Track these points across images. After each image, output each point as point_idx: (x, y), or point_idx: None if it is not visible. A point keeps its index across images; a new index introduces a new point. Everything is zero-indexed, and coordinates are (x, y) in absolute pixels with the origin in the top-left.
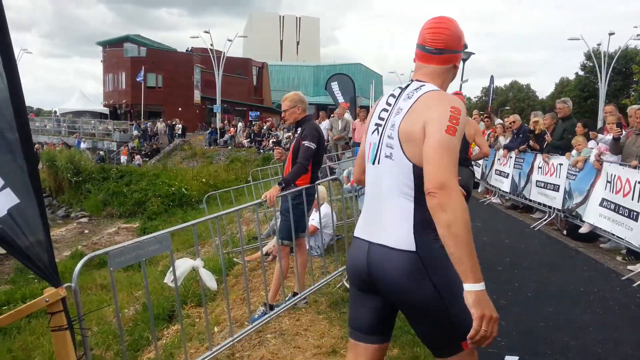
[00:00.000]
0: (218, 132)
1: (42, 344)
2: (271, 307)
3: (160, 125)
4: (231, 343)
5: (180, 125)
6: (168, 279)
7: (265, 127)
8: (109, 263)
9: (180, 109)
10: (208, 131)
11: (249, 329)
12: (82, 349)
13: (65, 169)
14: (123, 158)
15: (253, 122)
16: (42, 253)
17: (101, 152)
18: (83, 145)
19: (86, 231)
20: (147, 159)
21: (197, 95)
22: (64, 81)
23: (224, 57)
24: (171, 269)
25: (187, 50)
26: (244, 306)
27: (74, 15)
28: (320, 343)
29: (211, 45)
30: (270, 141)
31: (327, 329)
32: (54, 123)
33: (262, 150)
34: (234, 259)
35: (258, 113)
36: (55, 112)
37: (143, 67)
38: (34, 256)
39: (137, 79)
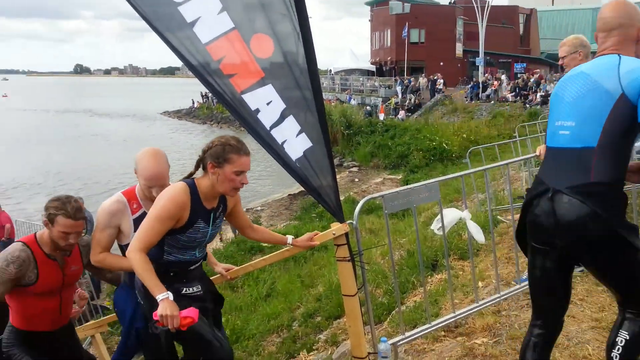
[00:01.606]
0: (480, 86)
1: (323, 273)
2: None
3: (422, 81)
4: (498, 300)
5: (441, 80)
6: (435, 226)
7: (532, 80)
8: (384, 206)
9: (441, 63)
10: (469, 85)
11: (516, 289)
12: (361, 280)
13: (338, 122)
14: (381, 116)
15: (518, 75)
16: (330, 192)
17: (368, 107)
18: (353, 102)
19: (356, 179)
20: (409, 114)
21: (458, 49)
22: (337, 41)
23: (488, 6)
24: (438, 217)
25: (450, 3)
26: (509, 265)
27: None
28: (599, 317)
29: None
30: (538, 95)
31: (608, 302)
32: (329, 81)
33: (528, 105)
34: (498, 217)
35: (524, 65)
36: (330, 70)
37: (407, 24)
38: (324, 194)
39: (401, 36)
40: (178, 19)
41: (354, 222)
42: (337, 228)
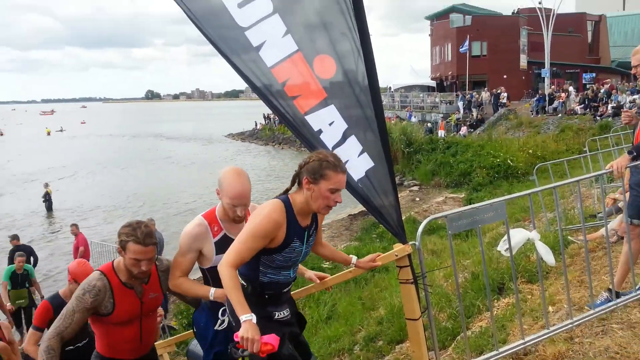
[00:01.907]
0: (546, 98)
1: (385, 296)
2: (617, 294)
3: (485, 95)
4: (570, 326)
5: (505, 94)
6: (502, 247)
7: (602, 91)
8: (447, 226)
9: (505, 76)
10: (535, 98)
11: (590, 314)
12: (425, 303)
13: (399, 140)
14: (441, 132)
15: (587, 86)
16: (392, 212)
17: (429, 124)
18: (413, 119)
19: (417, 199)
20: (472, 130)
21: (523, 60)
22: (395, 58)
23: (553, 14)
24: (505, 237)
25: (513, 13)
26: (582, 289)
27: None
28: None
29: (539, 3)
30: (609, 106)
31: None
32: (388, 98)
33: (598, 117)
34: (569, 237)
35: (593, 74)
36: (389, 87)
37: (468, 36)
38: (386, 214)
39: (461, 49)
40: (244, 43)
41: (417, 243)
42: (399, 249)
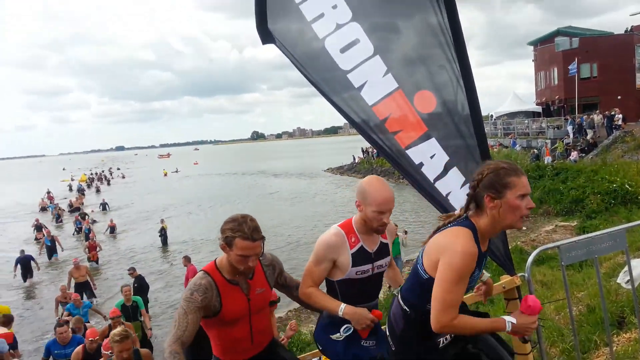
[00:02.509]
0: None
1: None
2: None
3: (597, 118)
4: None
5: (619, 116)
6: (622, 279)
7: None
8: (560, 257)
9: (619, 97)
10: None
11: None
12: (536, 337)
13: None
14: (547, 159)
15: None
16: (498, 243)
17: (535, 151)
18: (517, 147)
19: (524, 228)
20: (583, 155)
21: (638, 79)
22: (497, 86)
23: None
24: (625, 268)
25: (626, 31)
26: None
27: (504, 22)
28: None
29: None
30: None
31: None
32: (490, 126)
33: None
34: None
35: None
36: (491, 115)
37: (576, 59)
38: (492, 245)
39: (569, 73)
40: (346, 84)
41: (526, 275)
42: (507, 281)
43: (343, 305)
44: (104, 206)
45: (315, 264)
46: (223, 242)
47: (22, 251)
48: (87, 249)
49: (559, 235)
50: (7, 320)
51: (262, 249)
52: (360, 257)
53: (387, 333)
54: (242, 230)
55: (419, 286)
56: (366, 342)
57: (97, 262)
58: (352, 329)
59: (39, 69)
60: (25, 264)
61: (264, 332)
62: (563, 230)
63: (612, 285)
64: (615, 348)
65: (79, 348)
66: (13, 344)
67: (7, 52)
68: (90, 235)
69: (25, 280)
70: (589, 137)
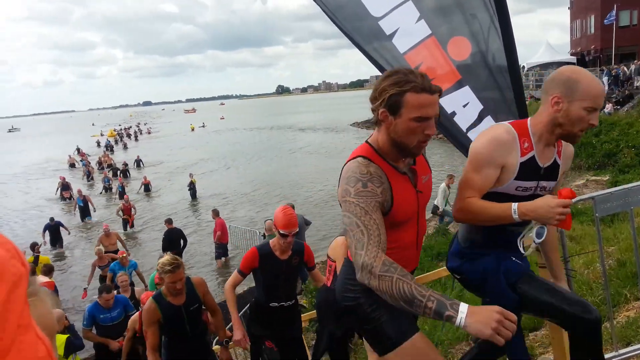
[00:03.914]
0: None
1: None
2: None
3: (634, 68)
4: None
5: None
6: None
7: None
8: (594, 208)
9: None
10: None
11: None
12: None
13: None
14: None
15: None
16: None
17: None
18: None
19: None
20: (618, 107)
21: None
22: (529, 35)
23: None
24: None
25: None
26: None
27: None
28: None
29: None
30: None
31: None
32: (522, 77)
33: None
34: None
35: None
36: (524, 67)
37: (615, 6)
38: None
39: (606, 21)
40: (377, 32)
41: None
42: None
43: (515, 205)
44: (138, 163)
45: (475, 170)
46: (383, 109)
47: (52, 218)
48: (121, 211)
49: (590, 189)
50: (48, 270)
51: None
52: (529, 169)
53: None
54: (413, 81)
55: None
56: (515, 258)
57: (132, 225)
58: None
59: (63, 23)
60: (54, 230)
61: (422, 237)
62: (595, 185)
63: None
64: None
65: (136, 316)
66: (54, 292)
67: (31, 8)
68: (125, 197)
69: (54, 247)
70: (622, 89)
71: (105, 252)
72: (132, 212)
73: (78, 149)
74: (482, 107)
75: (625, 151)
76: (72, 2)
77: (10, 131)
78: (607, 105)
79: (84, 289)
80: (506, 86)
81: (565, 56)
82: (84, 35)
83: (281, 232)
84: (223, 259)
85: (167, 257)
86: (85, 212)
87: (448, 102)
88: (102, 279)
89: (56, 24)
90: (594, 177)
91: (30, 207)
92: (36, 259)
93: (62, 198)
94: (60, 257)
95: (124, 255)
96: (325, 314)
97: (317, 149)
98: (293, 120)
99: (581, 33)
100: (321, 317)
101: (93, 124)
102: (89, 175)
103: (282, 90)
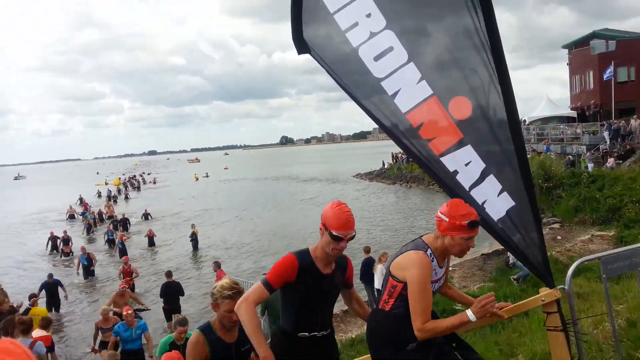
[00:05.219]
0: None
1: (525, 342)
2: None
3: (635, 123)
4: None
5: None
6: None
7: None
8: (601, 269)
9: None
10: None
11: None
12: (577, 353)
13: (536, 175)
14: (590, 165)
15: None
16: (537, 253)
17: (570, 157)
18: (552, 155)
19: (559, 237)
20: (620, 162)
21: None
22: (530, 90)
23: None
24: None
25: None
26: None
27: (536, 25)
28: None
29: None
30: None
31: None
32: (523, 131)
33: None
34: None
35: None
36: (524, 120)
37: (612, 62)
38: (530, 255)
39: (605, 77)
40: (378, 89)
41: (567, 288)
42: (546, 294)
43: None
44: (146, 216)
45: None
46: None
47: (51, 275)
48: (121, 275)
49: (596, 245)
50: (46, 323)
51: None
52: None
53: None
54: None
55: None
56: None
57: (132, 289)
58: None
59: (74, 74)
60: (51, 290)
61: None
62: (600, 240)
63: None
64: None
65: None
66: (51, 347)
67: (44, 59)
68: (124, 258)
69: (50, 310)
70: (623, 144)
71: (114, 314)
72: (133, 276)
73: (81, 199)
74: (484, 165)
75: (630, 206)
76: (83, 54)
77: (16, 179)
78: (609, 160)
79: (92, 348)
80: (505, 139)
81: (566, 110)
82: (94, 86)
83: (334, 233)
84: None
85: (228, 279)
86: (88, 271)
87: (450, 161)
88: (103, 344)
89: (67, 75)
90: (598, 232)
91: (22, 261)
92: (27, 311)
93: (63, 253)
94: (58, 319)
95: (129, 312)
96: (383, 346)
97: (325, 200)
98: (297, 171)
99: (580, 88)
100: (377, 348)
101: (98, 173)
102: (89, 229)
103: (285, 141)
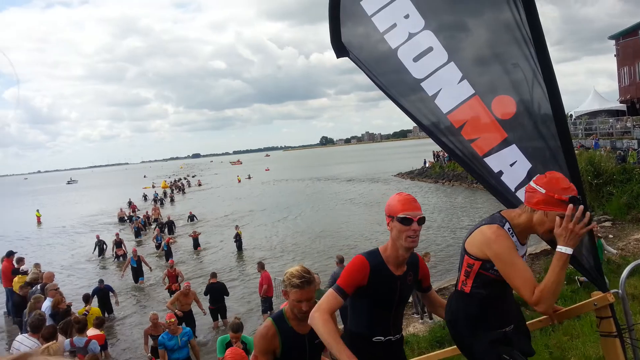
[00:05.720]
0: None
1: (576, 345)
2: None
3: None
4: None
5: None
6: None
7: None
8: None
9: None
10: None
11: None
12: (633, 357)
13: (585, 171)
14: None
15: None
16: (588, 255)
17: (620, 152)
18: (602, 150)
19: (610, 236)
20: None
21: None
22: (575, 84)
23: None
24: None
25: None
26: None
27: (579, 16)
28: None
29: None
30: None
31: None
32: (570, 126)
33: None
34: None
35: None
36: (571, 115)
37: None
38: (580, 257)
39: None
40: (416, 88)
41: (620, 292)
42: (599, 298)
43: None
44: (191, 217)
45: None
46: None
47: (101, 280)
48: (166, 278)
49: None
50: (100, 323)
51: None
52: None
53: None
54: None
55: None
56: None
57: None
58: None
59: (120, 81)
60: (103, 296)
61: None
62: None
63: None
64: None
65: None
66: (104, 345)
67: (92, 67)
68: (170, 261)
69: (103, 314)
70: None
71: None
72: (179, 280)
73: (130, 202)
74: (530, 165)
75: None
76: (128, 61)
77: (69, 183)
78: None
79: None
80: (551, 135)
81: (615, 104)
82: (139, 92)
83: (402, 215)
84: (269, 312)
85: (298, 267)
86: (138, 273)
87: (495, 162)
88: (154, 351)
89: (113, 82)
90: None
91: (73, 263)
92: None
93: (116, 256)
94: (110, 325)
95: (172, 319)
96: (467, 332)
97: (365, 200)
98: (337, 171)
99: (630, 80)
100: (462, 335)
101: (145, 176)
102: (138, 232)
103: (325, 141)
